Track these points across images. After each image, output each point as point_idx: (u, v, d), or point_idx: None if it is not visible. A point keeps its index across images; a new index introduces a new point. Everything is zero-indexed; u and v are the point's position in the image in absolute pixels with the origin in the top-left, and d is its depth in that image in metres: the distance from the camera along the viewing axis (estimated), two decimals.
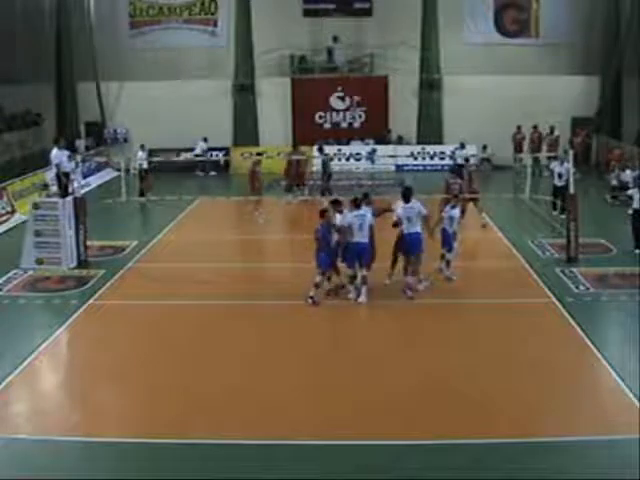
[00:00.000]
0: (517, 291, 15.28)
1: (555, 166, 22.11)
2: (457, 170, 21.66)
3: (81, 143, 32.31)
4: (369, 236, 14.51)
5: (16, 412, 10.48)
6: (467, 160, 22.72)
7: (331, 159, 26.69)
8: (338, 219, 14.69)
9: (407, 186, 16.33)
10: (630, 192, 18.74)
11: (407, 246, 14.75)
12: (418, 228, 14.75)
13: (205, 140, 31.25)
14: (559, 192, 21.37)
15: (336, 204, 15.13)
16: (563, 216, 21.01)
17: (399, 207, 14.89)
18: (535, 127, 30.92)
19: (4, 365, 11.62)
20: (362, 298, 14.34)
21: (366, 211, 14.63)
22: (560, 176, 21.41)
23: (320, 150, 27.01)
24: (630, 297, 14.49)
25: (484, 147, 30.76)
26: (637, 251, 17.61)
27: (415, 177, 29.15)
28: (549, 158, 23.27)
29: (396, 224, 14.82)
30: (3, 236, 21.16)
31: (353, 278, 14.59)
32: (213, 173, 31.75)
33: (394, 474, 8.71)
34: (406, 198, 14.93)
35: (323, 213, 14.58)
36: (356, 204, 14.63)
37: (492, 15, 32.82)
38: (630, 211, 18.10)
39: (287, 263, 17.79)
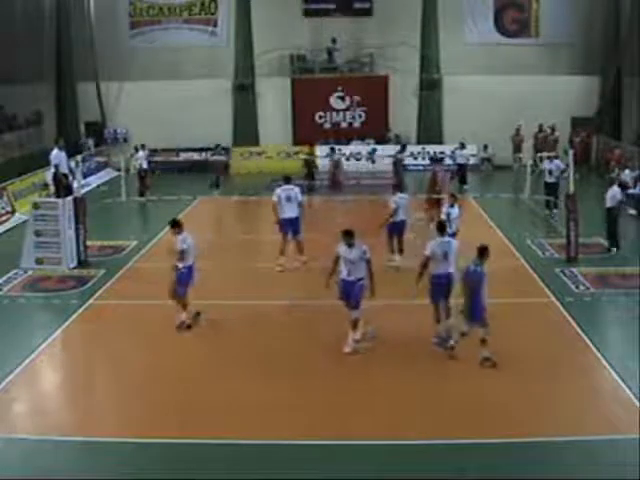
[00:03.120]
0: (517, 291, 15.28)
1: (546, 164, 22.32)
2: (439, 160, 22.00)
3: (88, 141, 32.36)
4: None
5: (16, 412, 10.50)
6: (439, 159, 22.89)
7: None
8: (178, 242, 13.36)
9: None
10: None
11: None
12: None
13: None
14: (550, 188, 21.51)
15: (176, 226, 13.59)
16: (555, 210, 21.20)
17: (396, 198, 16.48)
18: (540, 127, 30.76)
19: (4, 365, 11.62)
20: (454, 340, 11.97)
21: (450, 239, 12.76)
22: (550, 173, 21.59)
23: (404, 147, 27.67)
24: (630, 297, 14.50)
25: (485, 147, 30.79)
26: (613, 249, 17.80)
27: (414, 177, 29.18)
28: (549, 158, 23.30)
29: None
30: (3, 236, 21.14)
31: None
32: None
33: (393, 474, 8.72)
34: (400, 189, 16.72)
35: (484, 251, 11.52)
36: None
37: (492, 15, 32.78)
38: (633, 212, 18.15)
39: (288, 263, 17.74)
